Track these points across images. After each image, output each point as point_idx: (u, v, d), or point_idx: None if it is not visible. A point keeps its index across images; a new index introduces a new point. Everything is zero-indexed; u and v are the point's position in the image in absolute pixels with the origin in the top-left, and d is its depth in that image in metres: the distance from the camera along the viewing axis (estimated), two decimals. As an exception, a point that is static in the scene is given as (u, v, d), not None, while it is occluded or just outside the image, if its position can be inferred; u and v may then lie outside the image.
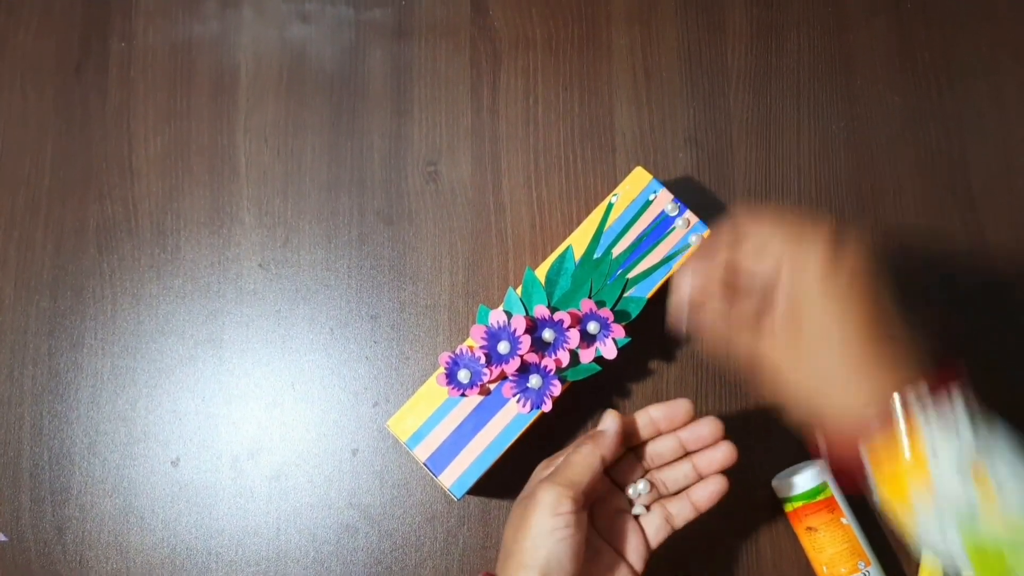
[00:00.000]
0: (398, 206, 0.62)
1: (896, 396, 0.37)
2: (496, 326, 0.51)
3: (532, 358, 0.51)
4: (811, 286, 0.39)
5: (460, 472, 0.51)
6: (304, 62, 0.64)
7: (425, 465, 0.51)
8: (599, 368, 0.52)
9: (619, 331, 0.52)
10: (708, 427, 0.47)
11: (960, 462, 0.35)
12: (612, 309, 0.53)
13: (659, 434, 0.49)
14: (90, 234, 0.61)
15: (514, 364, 0.50)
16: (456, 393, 0.51)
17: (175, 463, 0.58)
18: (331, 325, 0.60)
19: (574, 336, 0.51)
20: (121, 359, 0.59)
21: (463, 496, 0.51)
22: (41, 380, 0.59)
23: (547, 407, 0.51)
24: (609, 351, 0.52)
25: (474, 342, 0.51)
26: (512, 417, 0.52)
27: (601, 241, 0.54)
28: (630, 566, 0.46)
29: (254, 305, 0.60)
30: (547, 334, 0.51)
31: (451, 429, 0.52)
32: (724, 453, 0.47)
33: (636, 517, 0.49)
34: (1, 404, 0.58)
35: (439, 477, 0.51)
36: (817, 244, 0.40)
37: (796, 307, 0.40)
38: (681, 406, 0.47)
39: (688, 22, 0.66)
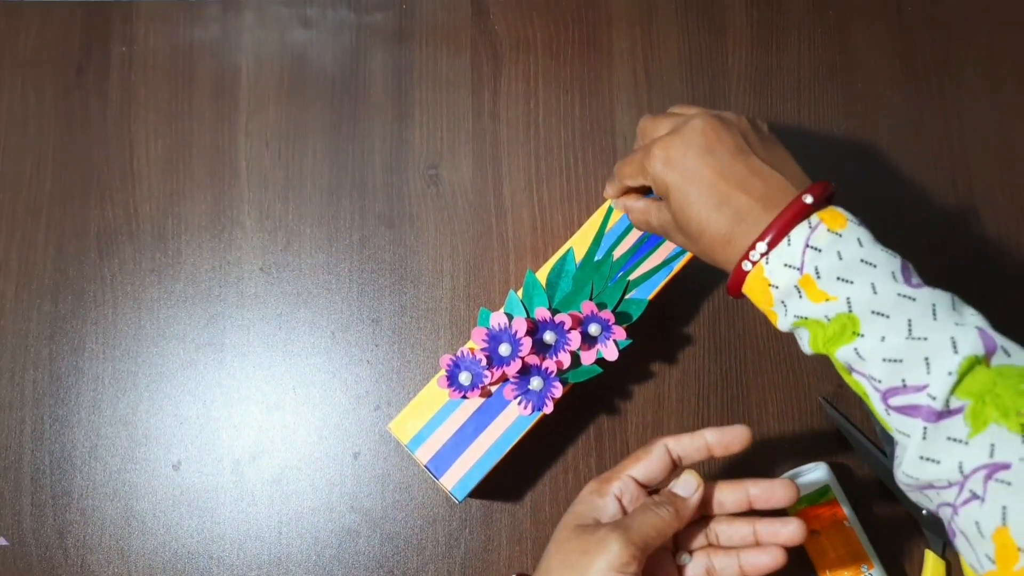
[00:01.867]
0: (399, 209, 0.62)
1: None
2: (497, 328, 0.51)
3: (533, 360, 0.51)
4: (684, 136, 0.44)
5: (462, 474, 0.51)
6: (305, 66, 0.64)
7: (426, 468, 0.51)
8: (600, 370, 0.52)
9: (620, 333, 0.52)
10: (784, 490, 0.44)
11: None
12: (613, 311, 0.53)
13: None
14: (91, 238, 0.61)
15: (515, 366, 0.50)
16: (457, 395, 0.51)
17: (176, 467, 0.58)
18: (332, 329, 0.60)
19: (575, 338, 0.51)
20: (122, 363, 0.59)
21: (465, 499, 0.51)
22: (42, 384, 0.59)
23: (548, 409, 0.51)
24: (610, 353, 0.52)
25: (475, 344, 0.51)
26: (513, 419, 0.52)
27: (602, 244, 0.54)
28: None
29: (255, 309, 0.60)
30: (548, 336, 0.51)
31: (452, 431, 0.51)
32: (792, 531, 0.44)
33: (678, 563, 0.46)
34: (2, 408, 0.58)
35: (440, 480, 0.51)
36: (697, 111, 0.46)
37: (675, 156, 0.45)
38: (738, 433, 0.45)
39: (688, 24, 0.66)
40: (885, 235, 0.63)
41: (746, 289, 0.43)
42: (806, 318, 0.41)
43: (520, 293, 0.53)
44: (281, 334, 0.60)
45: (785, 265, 0.41)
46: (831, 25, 0.66)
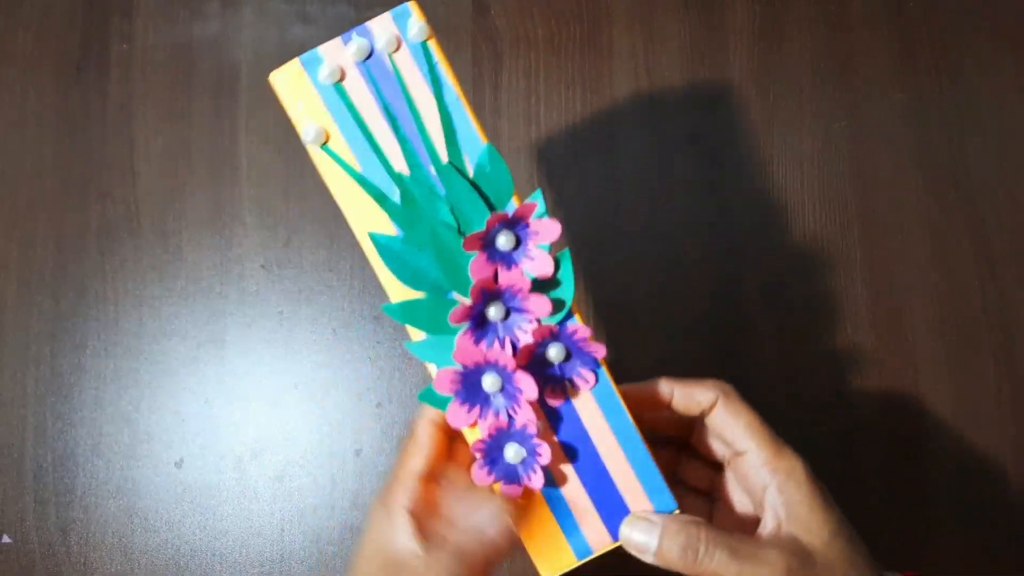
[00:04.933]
0: (400, 206, 0.62)
1: None
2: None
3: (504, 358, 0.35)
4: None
5: (645, 493, 0.37)
6: (305, 62, 0.64)
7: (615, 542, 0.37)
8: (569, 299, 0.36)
9: (553, 229, 0.36)
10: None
11: None
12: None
13: None
14: (91, 235, 0.61)
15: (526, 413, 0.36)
16: (517, 490, 0.36)
17: (178, 464, 0.58)
18: (334, 326, 0.60)
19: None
20: (124, 360, 0.59)
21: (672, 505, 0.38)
22: (44, 382, 0.59)
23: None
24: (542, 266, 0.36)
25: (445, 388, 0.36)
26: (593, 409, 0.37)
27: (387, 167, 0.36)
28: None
29: (256, 306, 0.60)
30: (493, 312, 0.36)
31: (588, 492, 0.37)
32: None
33: None
34: (4, 406, 0.58)
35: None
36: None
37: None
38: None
39: (690, 21, 0.66)
40: (885, 234, 0.63)
41: None
42: None
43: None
44: (282, 331, 0.60)
45: None
46: (833, 23, 0.66)
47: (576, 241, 0.61)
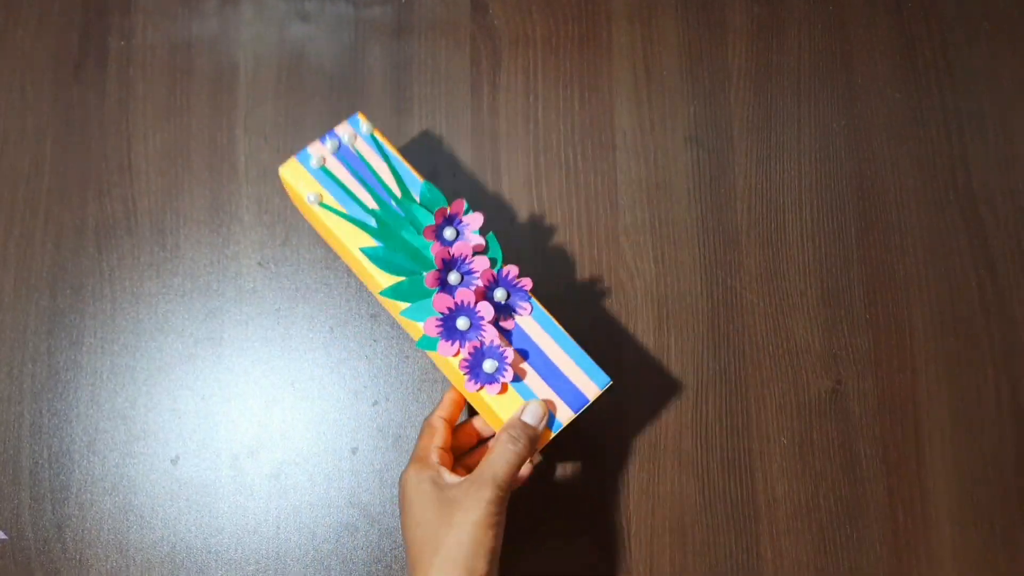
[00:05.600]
0: (398, 204, 0.62)
1: None
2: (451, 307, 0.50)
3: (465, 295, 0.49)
4: None
5: (583, 379, 0.50)
6: (303, 60, 0.64)
7: (580, 414, 0.49)
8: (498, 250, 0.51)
9: (477, 220, 0.51)
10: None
11: None
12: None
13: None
14: (89, 232, 0.61)
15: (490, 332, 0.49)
16: (495, 388, 0.49)
17: (175, 461, 0.58)
18: (331, 324, 0.60)
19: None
20: (120, 357, 0.59)
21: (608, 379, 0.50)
22: (40, 378, 0.59)
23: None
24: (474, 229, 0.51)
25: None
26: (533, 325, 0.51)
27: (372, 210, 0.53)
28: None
29: (253, 303, 0.60)
30: (453, 277, 0.50)
31: (549, 372, 0.50)
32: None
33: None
34: (1, 402, 0.58)
35: (590, 402, 0.49)
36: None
37: None
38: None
39: (688, 20, 0.66)
40: (886, 234, 0.63)
41: None
42: None
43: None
44: (279, 329, 0.60)
45: None
46: (831, 22, 0.66)
47: (575, 240, 0.61)
